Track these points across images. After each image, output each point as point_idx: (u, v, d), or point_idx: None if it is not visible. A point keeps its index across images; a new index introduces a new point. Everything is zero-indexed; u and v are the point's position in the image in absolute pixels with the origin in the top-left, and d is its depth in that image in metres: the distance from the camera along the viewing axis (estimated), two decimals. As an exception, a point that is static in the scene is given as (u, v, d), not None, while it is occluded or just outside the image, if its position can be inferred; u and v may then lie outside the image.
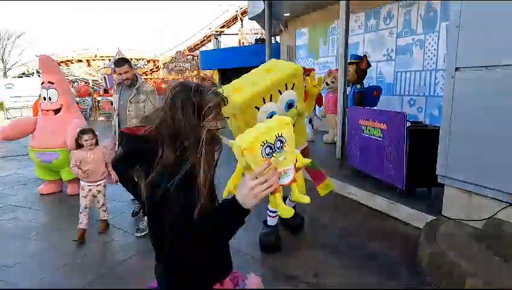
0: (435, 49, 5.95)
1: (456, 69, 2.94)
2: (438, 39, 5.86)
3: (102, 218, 3.54)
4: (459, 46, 2.91)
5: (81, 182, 3.42)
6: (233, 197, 1.02)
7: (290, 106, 2.76)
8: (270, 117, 2.66)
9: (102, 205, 3.51)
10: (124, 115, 3.50)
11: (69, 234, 3.33)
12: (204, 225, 1.02)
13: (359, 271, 2.72)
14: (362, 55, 6.56)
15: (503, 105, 2.63)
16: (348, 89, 6.07)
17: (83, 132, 3.38)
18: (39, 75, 6.26)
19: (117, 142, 3.55)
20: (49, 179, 4.80)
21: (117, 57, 16.19)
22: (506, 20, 2.59)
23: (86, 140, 3.33)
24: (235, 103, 2.48)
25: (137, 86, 3.49)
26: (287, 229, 3.42)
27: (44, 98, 4.60)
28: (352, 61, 6.10)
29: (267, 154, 1.00)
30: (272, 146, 1.00)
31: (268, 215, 3.15)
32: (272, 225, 3.16)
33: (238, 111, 2.53)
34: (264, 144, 0.99)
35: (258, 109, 2.60)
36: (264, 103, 2.62)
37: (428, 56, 6.09)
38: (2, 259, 3.01)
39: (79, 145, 3.39)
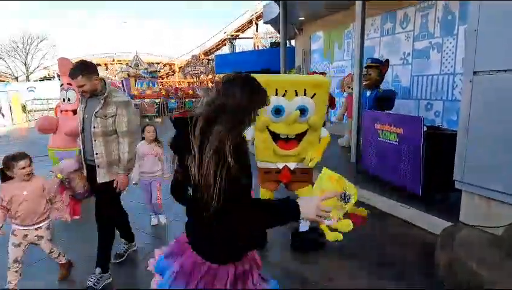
0: (452, 53, 5.85)
1: (474, 73, 2.88)
2: (456, 42, 5.76)
3: (60, 262, 2.77)
4: (477, 50, 2.86)
5: (12, 225, 2.49)
6: (295, 201, 1.22)
7: (302, 111, 2.82)
8: (276, 110, 2.80)
9: (51, 251, 2.67)
10: (89, 131, 2.63)
11: (85, 233, 3.38)
12: (263, 207, 1.23)
13: (373, 275, 2.70)
14: (380, 58, 6.53)
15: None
16: (368, 92, 6.04)
17: (14, 157, 2.40)
18: (59, 79, 6.46)
19: (83, 165, 2.82)
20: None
21: (134, 62, 16.55)
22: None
23: (23, 167, 2.39)
24: None
25: (105, 94, 2.61)
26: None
27: (64, 100, 4.74)
28: (372, 64, 6.04)
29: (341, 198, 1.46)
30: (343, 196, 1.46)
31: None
32: (305, 230, 3.15)
33: None
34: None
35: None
36: (276, 95, 2.77)
37: (446, 60, 5.99)
38: (25, 256, 3.10)
39: (6, 177, 2.45)
